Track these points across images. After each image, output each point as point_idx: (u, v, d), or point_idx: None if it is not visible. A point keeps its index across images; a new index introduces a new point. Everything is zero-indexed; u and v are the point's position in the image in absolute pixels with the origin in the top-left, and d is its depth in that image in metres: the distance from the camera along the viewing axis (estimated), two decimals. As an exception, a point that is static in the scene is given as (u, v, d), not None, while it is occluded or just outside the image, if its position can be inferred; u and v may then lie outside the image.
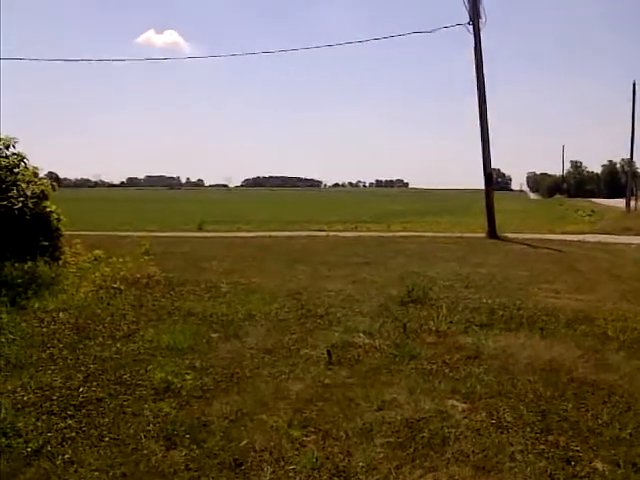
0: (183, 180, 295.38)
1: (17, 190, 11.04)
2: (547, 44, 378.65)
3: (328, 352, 6.50)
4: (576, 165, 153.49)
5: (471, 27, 21.32)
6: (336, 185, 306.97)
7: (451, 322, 7.91)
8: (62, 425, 4.76)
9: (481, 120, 21.69)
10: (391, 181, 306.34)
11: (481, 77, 21.47)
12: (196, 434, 4.56)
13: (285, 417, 4.87)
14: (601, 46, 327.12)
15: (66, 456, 4.23)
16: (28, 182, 11.42)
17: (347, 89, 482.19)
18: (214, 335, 7.42)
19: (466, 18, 21.38)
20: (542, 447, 4.35)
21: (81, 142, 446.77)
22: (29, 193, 11.22)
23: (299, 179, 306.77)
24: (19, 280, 9.68)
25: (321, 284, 10.97)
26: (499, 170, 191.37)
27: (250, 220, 33.11)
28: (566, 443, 4.40)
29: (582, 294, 10.05)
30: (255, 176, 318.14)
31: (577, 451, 4.28)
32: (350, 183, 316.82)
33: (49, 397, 5.34)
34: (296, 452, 4.27)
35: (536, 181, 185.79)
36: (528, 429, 4.65)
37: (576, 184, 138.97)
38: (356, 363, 6.28)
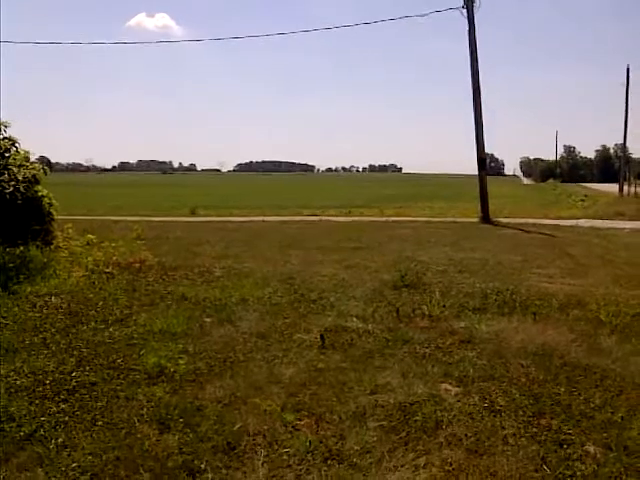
0: (175, 165, 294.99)
1: (8, 174, 10.96)
2: (542, 30, 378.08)
3: (321, 336, 6.50)
4: (569, 150, 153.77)
5: (465, 11, 21.20)
6: (329, 170, 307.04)
7: (444, 306, 7.92)
8: (55, 409, 4.76)
9: (475, 105, 21.65)
10: (384, 166, 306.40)
11: (475, 62, 21.40)
12: (189, 418, 4.56)
13: (278, 401, 4.87)
14: (596, 32, 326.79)
15: (59, 440, 4.23)
16: (19, 166, 11.34)
17: (340, 74, 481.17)
18: (207, 319, 7.42)
19: (460, 2, 21.27)
20: (534, 430, 4.37)
21: (73, 126, 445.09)
22: (20, 177, 11.14)
23: (292, 164, 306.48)
24: (11, 265, 9.63)
25: (314, 269, 10.96)
26: (492, 155, 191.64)
27: (243, 205, 33.07)
28: (558, 426, 4.42)
29: (575, 279, 10.07)
30: (248, 161, 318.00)
31: (569, 434, 4.30)
32: (343, 168, 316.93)
33: (42, 381, 5.33)
34: (290, 436, 4.28)
35: (529, 166, 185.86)
36: (521, 412, 4.67)
37: (569, 169, 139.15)
38: (349, 347, 6.29)
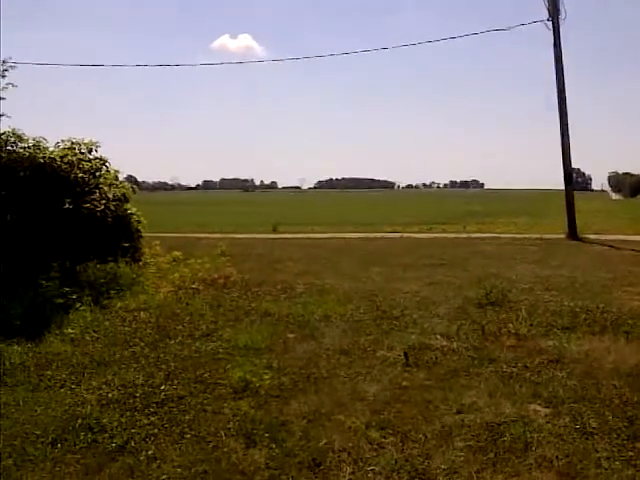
0: (257, 182, 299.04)
1: (99, 193, 11.41)
2: (630, 35, 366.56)
3: (405, 354, 6.45)
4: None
5: (550, 24, 20.78)
6: (409, 186, 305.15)
7: (531, 325, 7.72)
8: (145, 422, 4.88)
9: (561, 118, 21.13)
10: (466, 182, 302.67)
11: (561, 74, 20.92)
12: (275, 433, 4.58)
13: (363, 418, 4.85)
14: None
15: (149, 452, 4.33)
16: (110, 185, 11.79)
17: (422, 89, 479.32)
18: (290, 335, 7.47)
19: (545, 13, 20.87)
20: (630, 454, 4.19)
21: (159, 146, 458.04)
22: (111, 196, 11.58)
23: (372, 180, 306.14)
24: (102, 280, 9.98)
25: (396, 285, 10.90)
26: (579, 169, 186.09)
27: (324, 222, 33.22)
28: (655, 451, 4.23)
29: (670, 297, 9.64)
30: (328, 178, 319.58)
31: (667, 459, 4.11)
32: (424, 184, 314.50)
33: (132, 394, 5.48)
34: (375, 453, 4.25)
35: (618, 181, 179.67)
36: (614, 435, 4.49)
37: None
38: (433, 365, 6.21)
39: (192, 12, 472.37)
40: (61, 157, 11.06)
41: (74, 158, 11.25)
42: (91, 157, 11.68)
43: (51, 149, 11.25)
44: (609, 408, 5.00)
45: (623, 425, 4.66)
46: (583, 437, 4.47)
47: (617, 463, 4.06)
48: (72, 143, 11.51)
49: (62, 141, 11.52)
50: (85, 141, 11.68)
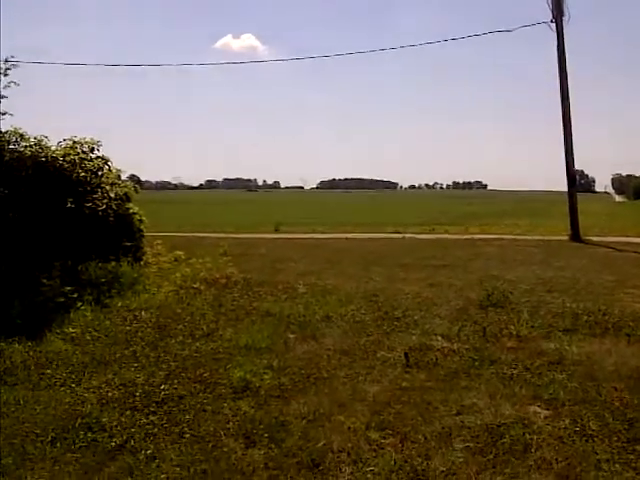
0: (260, 182, 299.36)
1: (101, 192, 11.41)
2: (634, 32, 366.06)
3: (405, 355, 6.44)
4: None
5: (554, 25, 20.73)
6: (412, 187, 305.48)
7: (532, 327, 7.71)
8: (145, 421, 4.88)
9: (564, 120, 21.08)
10: (469, 183, 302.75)
11: (564, 76, 20.85)
12: (274, 433, 4.58)
13: (363, 419, 4.85)
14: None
15: (148, 451, 4.33)
16: (112, 184, 11.79)
17: (424, 90, 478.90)
18: (291, 335, 7.46)
19: (548, 15, 20.83)
20: (630, 457, 4.18)
21: (162, 146, 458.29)
22: (113, 195, 11.58)
23: (375, 181, 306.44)
24: (103, 280, 9.97)
25: (398, 286, 10.89)
26: (582, 171, 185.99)
27: (326, 222, 33.20)
28: (656, 454, 4.22)
29: (672, 299, 9.61)
30: (331, 178, 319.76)
31: (668, 462, 4.09)
32: (427, 185, 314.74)
33: (132, 393, 5.48)
34: (374, 454, 4.24)
35: (622, 183, 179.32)
36: (614, 438, 4.48)
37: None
38: (434, 366, 6.20)
39: (195, 12, 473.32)
40: (63, 156, 11.05)
41: (76, 157, 11.23)
42: (93, 156, 11.65)
43: (53, 148, 11.24)
44: (609, 410, 4.99)
45: (623, 428, 4.65)
46: (583, 439, 4.46)
47: (617, 466, 4.06)
48: (74, 142, 11.49)
49: (64, 140, 11.50)
50: (87, 140, 11.66)
